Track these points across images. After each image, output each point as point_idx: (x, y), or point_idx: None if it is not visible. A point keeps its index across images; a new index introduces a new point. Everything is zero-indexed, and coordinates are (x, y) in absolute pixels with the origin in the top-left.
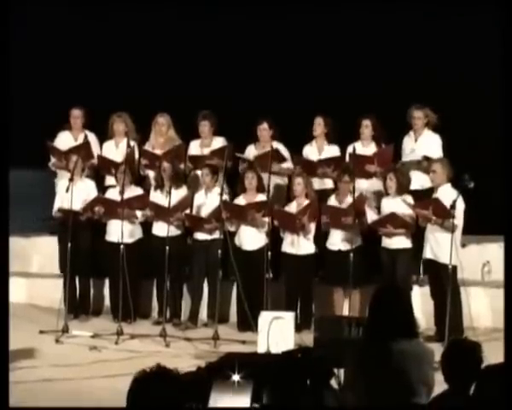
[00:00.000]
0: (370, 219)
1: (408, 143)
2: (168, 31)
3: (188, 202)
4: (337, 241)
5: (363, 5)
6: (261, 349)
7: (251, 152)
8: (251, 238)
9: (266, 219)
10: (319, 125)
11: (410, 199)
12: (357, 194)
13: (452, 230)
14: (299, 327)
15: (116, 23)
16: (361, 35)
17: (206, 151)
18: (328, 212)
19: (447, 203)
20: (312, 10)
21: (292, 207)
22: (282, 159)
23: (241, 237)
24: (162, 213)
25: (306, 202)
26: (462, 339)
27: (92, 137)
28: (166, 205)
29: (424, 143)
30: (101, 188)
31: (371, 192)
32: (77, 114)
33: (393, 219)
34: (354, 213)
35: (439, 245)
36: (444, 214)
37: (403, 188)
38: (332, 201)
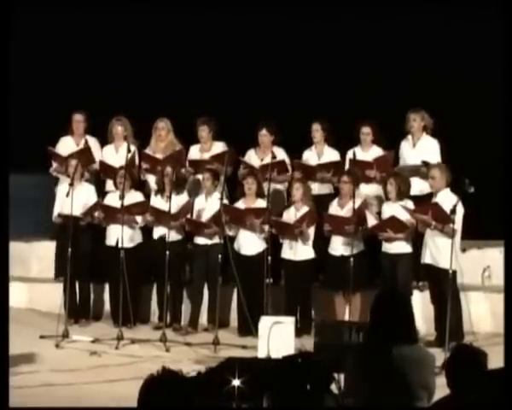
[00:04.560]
0: (370, 223)
1: (406, 148)
2: (168, 35)
3: (189, 208)
4: (338, 246)
5: (362, 11)
6: (261, 354)
7: (251, 157)
8: (249, 243)
9: (266, 227)
10: (317, 132)
11: (410, 204)
12: (357, 199)
13: (452, 235)
14: (299, 332)
15: (116, 27)
16: (361, 40)
17: (207, 156)
18: (330, 221)
19: (447, 208)
20: (313, 16)
21: (290, 213)
22: (286, 170)
23: (239, 241)
24: (163, 218)
25: (304, 207)
26: (467, 345)
27: (94, 142)
28: (166, 210)
29: (422, 149)
30: (102, 193)
31: (371, 197)
32: (79, 119)
33: (393, 223)
34: (356, 221)
35: (439, 250)
36: (443, 219)
37: (403, 193)
38: (334, 205)
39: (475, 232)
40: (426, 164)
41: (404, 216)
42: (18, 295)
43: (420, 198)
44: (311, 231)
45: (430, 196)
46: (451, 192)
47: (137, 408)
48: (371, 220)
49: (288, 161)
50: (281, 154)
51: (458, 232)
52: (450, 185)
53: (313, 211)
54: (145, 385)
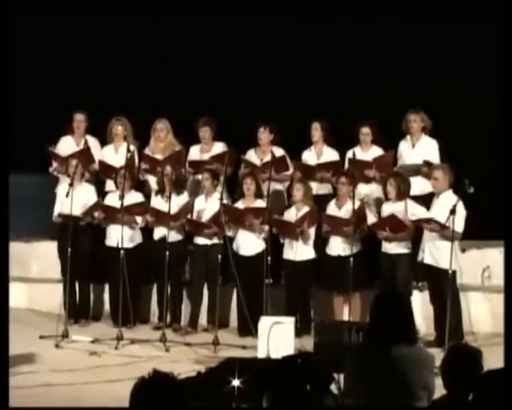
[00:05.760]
0: (370, 221)
1: (405, 148)
2: (168, 35)
3: (189, 208)
4: (337, 246)
5: (360, 10)
6: (261, 354)
7: (251, 157)
8: (248, 244)
9: (266, 227)
10: (316, 130)
11: (409, 204)
12: (356, 199)
13: (452, 238)
14: (299, 332)
15: (116, 27)
16: (360, 39)
17: (206, 156)
18: (329, 221)
19: (449, 210)
20: (311, 16)
21: (291, 213)
22: (286, 167)
23: (238, 242)
24: (163, 218)
25: (305, 208)
26: (462, 344)
27: (94, 142)
28: (167, 210)
29: (422, 149)
30: (102, 193)
31: (371, 197)
32: (80, 119)
33: (393, 222)
34: (355, 222)
35: (439, 250)
36: (443, 231)
37: (403, 193)
38: (332, 206)
39: (475, 232)
40: (428, 164)
41: (405, 215)
42: (18, 296)
43: (420, 198)
44: (312, 231)
45: (430, 195)
46: (454, 193)
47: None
48: (371, 218)
49: (288, 161)
50: (280, 154)
51: (459, 233)
52: (452, 186)
53: (314, 211)
54: (136, 388)
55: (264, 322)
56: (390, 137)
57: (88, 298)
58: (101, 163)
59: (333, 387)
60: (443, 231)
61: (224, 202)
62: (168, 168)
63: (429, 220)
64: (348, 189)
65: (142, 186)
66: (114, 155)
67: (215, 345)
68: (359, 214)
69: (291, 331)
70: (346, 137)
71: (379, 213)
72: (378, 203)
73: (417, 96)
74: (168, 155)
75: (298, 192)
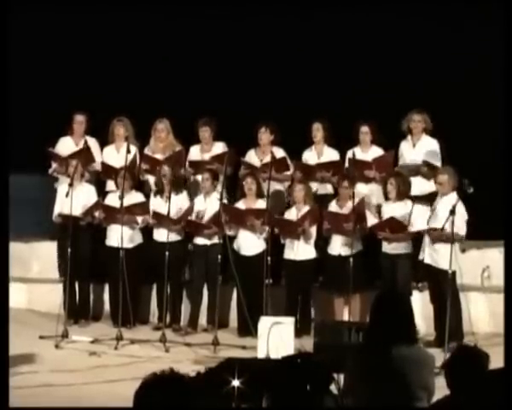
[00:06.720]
0: (370, 223)
1: (406, 148)
2: (168, 35)
3: (190, 212)
4: (337, 246)
5: (360, 10)
6: (261, 354)
7: (251, 157)
8: (249, 244)
9: (267, 228)
10: (318, 131)
11: (409, 204)
12: (357, 199)
13: (452, 240)
14: (298, 332)
15: (116, 27)
16: (361, 39)
17: (207, 156)
18: (330, 218)
19: (449, 210)
20: (312, 16)
21: (292, 214)
22: (287, 168)
23: (239, 241)
24: (164, 221)
25: (306, 207)
26: (471, 346)
27: (93, 142)
28: (166, 210)
29: (423, 149)
30: (102, 193)
31: (371, 197)
32: (80, 120)
33: (392, 224)
34: (355, 218)
35: (439, 251)
36: (445, 234)
37: (403, 193)
38: (333, 206)
39: (475, 232)
40: (428, 164)
41: (405, 215)
42: (18, 296)
43: (420, 198)
44: (313, 230)
45: (431, 196)
46: (457, 196)
47: (135, 407)
48: (371, 220)
49: (288, 161)
50: (280, 154)
51: (460, 233)
52: (456, 189)
53: (315, 210)
54: (145, 384)
55: (264, 322)
56: (390, 137)
57: (88, 298)
58: (103, 164)
59: (333, 387)
60: (445, 234)
61: (224, 201)
62: (166, 168)
63: (430, 231)
64: (350, 192)
65: (142, 186)
66: (116, 155)
67: (215, 345)
68: (359, 210)
69: (291, 331)
70: (346, 137)
71: (379, 212)
72: (378, 207)
73: (417, 96)
74: (168, 155)
75: (299, 193)
